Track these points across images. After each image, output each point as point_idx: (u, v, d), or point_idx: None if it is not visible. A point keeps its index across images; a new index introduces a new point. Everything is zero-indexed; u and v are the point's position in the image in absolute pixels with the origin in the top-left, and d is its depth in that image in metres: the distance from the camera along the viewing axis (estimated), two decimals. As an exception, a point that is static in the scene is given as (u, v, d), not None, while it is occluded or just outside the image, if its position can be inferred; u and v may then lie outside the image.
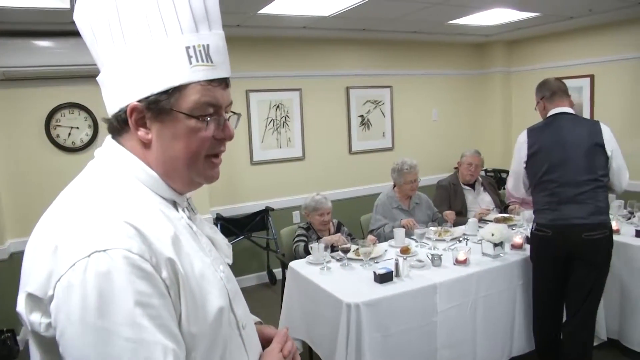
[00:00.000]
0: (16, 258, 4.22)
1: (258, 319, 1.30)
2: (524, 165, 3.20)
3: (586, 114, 5.59)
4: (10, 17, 3.68)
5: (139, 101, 0.97)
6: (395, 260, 3.12)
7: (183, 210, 1.08)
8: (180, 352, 0.88)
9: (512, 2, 4.37)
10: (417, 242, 3.63)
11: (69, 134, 4.47)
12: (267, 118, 5.50)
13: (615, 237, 3.25)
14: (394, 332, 2.83)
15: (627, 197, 4.16)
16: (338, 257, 3.39)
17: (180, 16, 0.98)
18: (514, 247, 3.48)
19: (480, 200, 4.70)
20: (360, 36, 5.61)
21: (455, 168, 5.09)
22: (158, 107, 0.97)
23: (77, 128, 4.49)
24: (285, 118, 5.60)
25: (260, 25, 4.73)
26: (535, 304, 3.30)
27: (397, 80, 6.27)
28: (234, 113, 1.10)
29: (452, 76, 6.70)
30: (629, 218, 3.97)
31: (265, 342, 1.21)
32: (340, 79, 5.90)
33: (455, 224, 4.07)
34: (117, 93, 1.00)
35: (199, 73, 0.99)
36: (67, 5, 3.47)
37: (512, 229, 3.81)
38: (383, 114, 6.22)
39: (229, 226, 5.07)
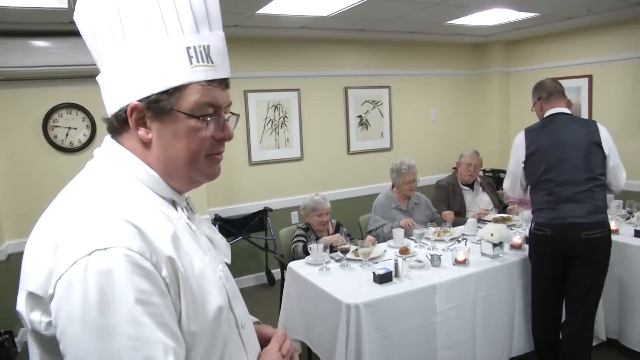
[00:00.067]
0: (14, 259, 4.21)
1: (256, 319, 1.30)
2: (522, 165, 3.21)
3: (584, 114, 5.58)
4: (8, 17, 3.67)
5: (139, 100, 0.98)
6: (395, 260, 3.11)
7: (182, 210, 1.08)
8: (181, 350, 0.88)
9: (510, 2, 4.37)
10: (416, 242, 3.63)
11: (67, 134, 4.46)
12: (266, 118, 5.49)
13: (614, 237, 3.26)
14: (394, 332, 2.82)
15: (625, 197, 4.16)
16: (337, 258, 3.39)
17: (181, 17, 0.99)
18: (513, 247, 3.48)
19: (479, 201, 4.70)
20: (358, 36, 5.60)
21: (454, 168, 5.09)
22: (158, 107, 0.98)
23: (75, 128, 4.48)
24: (284, 118, 5.59)
25: (259, 26, 4.72)
26: (534, 304, 3.30)
27: (396, 80, 6.26)
28: (233, 114, 1.10)
29: (450, 76, 6.70)
30: (628, 218, 3.97)
31: (264, 342, 1.22)
32: (338, 79, 5.89)
33: (454, 224, 4.06)
34: (118, 92, 1.00)
35: (200, 73, 0.99)
36: (65, 5, 3.47)
37: (511, 229, 3.81)
38: (381, 114, 6.21)
39: (227, 227, 5.06)
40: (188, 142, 1.00)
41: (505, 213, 4.48)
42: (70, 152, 4.47)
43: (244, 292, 1.19)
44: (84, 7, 1.02)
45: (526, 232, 3.46)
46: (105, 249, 0.83)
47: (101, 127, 4.41)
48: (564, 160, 3.03)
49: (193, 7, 0.99)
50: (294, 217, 5.64)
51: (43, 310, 0.86)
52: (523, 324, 3.36)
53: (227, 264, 1.15)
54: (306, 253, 3.50)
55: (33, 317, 0.86)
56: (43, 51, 4.07)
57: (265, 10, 4.10)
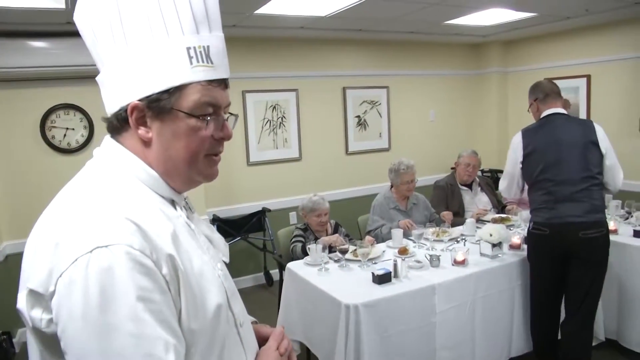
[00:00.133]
0: (11, 260, 4.20)
1: (253, 319, 1.31)
2: (520, 166, 3.22)
3: (582, 114, 5.59)
4: (5, 17, 3.65)
5: (140, 100, 0.99)
6: (394, 261, 3.11)
7: (181, 209, 1.09)
8: (181, 347, 0.89)
9: (508, 2, 4.37)
10: (415, 242, 3.62)
11: (65, 135, 4.45)
12: (264, 119, 5.49)
13: (613, 237, 3.26)
14: (393, 333, 2.81)
15: (624, 197, 4.17)
16: (336, 258, 3.38)
17: (181, 18, 1.00)
18: (512, 247, 3.47)
19: (477, 201, 4.70)
20: (357, 36, 5.60)
21: (452, 168, 5.09)
22: (159, 106, 0.99)
23: (73, 129, 4.47)
24: (282, 119, 5.58)
25: (257, 26, 4.71)
26: (533, 304, 3.30)
27: (394, 80, 6.26)
28: (232, 114, 1.11)
29: (448, 76, 6.70)
30: (627, 218, 3.97)
31: (262, 341, 1.22)
32: (336, 80, 5.89)
33: (453, 225, 4.06)
34: (118, 92, 1.01)
35: (200, 73, 1.00)
36: (62, 6, 3.45)
37: (510, 230, 3.80)
38: (380, 114, 6.21)
39: (226, 227, 5.04)
40: (188, 141, 1.01)
41: (504, 213, 4.48)
42: (68, 153, 4.46)
43: (242, 292, 1.19)
44: (84, 7, 1.03)
45: (525, 233, 3.46)
46: (106, 246, 0.84)
47: (99, 127, 4.44)
48: (562, 159, 3.04)
49: (193, 8, 1.01)
50: (292, 217, 5.64)
51: (44, 308, 0.86)
52: (522, 324, 3.36)
53: (225, 263, 1.16)
54: (305, 253, 3.49)
55: (34, 314, 0.87)
56: (40, 52, 4.06)
57: (263, 10, 4.09)
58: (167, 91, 0.98)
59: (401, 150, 6.13)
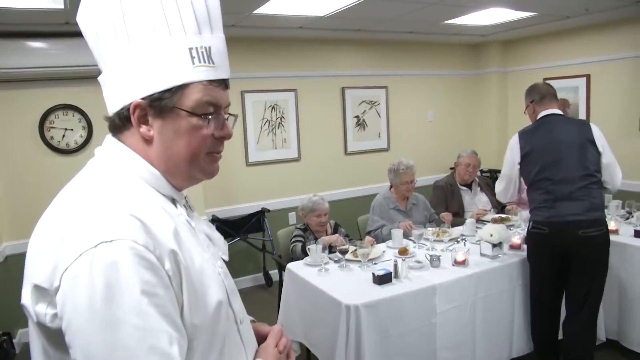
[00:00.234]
0: (11, 261, 4.19)
1: (252, 318, 1.31)
2: (518, 167, 3.24)
3: (582, 114, 5.59)
4: (3, 18, 3.64)
5: (142, 98, 1.00)
6: (394, 261, 3.10)
7: (182, 207, 1.11)
8: (183, 341, 0.91)
9: (508, 1, 4.36)
10: (415, 243, 3.61)
11: (63, 135, 4.44)
12: (263, 119, 5.48)
13: (613, 238, 3.26)
14: (394, 333, 2.81)
15: (624, 197, 4.17)
16: (336, 259, 3.37)
17: (184, 19, 1.02)
18: (513, 247, 3.47)
19: (477, 201, 4.69)
20: (356, 36, 5.59)
21: (452, 168, 5.08)
22: (161, 105, 1.01)
23: (72, 130, 4.46)
24: (281, 119, 5.57)
25: (256, 26, 4.71)
26: (533, 304, 3.30)
27: (393, 80, 6.26)
28: (231, 114, 1.13)
29: (448, 76, 6.70)
30: (627, 218, 3.96)
31: (260, 339, 1.23)
32: (335, 80, 5.88)
33: (453, 225, 4.05)
34: (120, 91, 1.03)
35: (202, 73, 1.02)
36: (61, 6, 3.45)
37: (510, 230, 3.80)
38: (379, 114, 6.20)
39: (225, 228, 5.03)
40: (190, 139, 1.03)
41: (504, 213, 4.47)
42: (66, 154, 4.45)
43: (242, 293, 1.21)
44: (88, 8, 1.05)
45: (525, 233, 3.46)
46: (111, 241, 0.85)
47: (98, 128, 4.44)
48: (559, 158, 3.06)
49: (195, 9, 1.03)
50: (292, 217, 5.63)
51: (48, 303, 0.87)
52: (523, 324, 3.35)
53: (224, 261, 1.18)
54: (305, 253, 3.49)
55: (38, 309, 0.88)
56: (39, 52, 4.05)
57: (262, 10, 4.09)
58: (169, 90, 1.00)
59: (400, 150, 6.12)
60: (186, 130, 1.02)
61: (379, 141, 6.25)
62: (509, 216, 4.30)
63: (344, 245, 3.38)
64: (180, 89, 1.01)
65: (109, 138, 1.08)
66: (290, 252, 3.76)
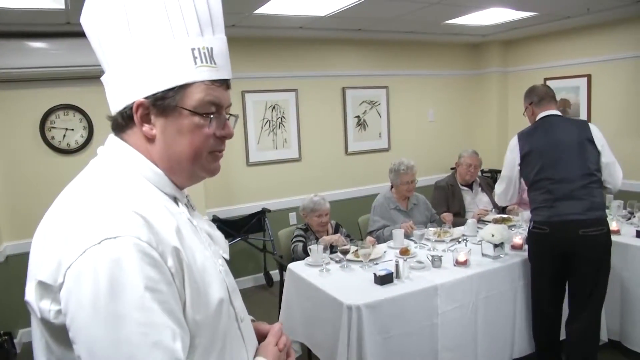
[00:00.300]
0: (12, 261, 4.18)
1: (251, 317, 1.32)
2: (518, 168, 3.24)
3: (583, 114, 5.58)
4: (4, 18, 3.64)
5: (145, 98, 1.02)
6: (395, 261, 3.10)
7: (183, 206, 1.12)
8: (186, 337, 0.92)
9: (508, 1, 4.36)
10: (416, 243, 3.61)
11: (64, 135, 4.43)
12: (263, 119, 5.47)
13: (615, 238, 3.26)
14: (395, 334, 2.80)
15: (626, 197, 4.16)
16: (337, 259, 3.36)
17: (186, 21, 1.04)
18: (514, 247, 3.46)
19: (478, 201, 4.69)
20: (356, 36, 5.58)
21: (452, 168, 5.08)
22: (164, 104, 1.02)
23: (72, 130, 4.46)
24: (281, 119, 5.57)
25: (256, 26, 4.70)
26: (534, 304, 3.29)
27: (393, 80, 6.25)
28: (232, 115, 1.14)
29: (448, 76, 6.69)
30: (629, 218, 3.95)
31: (260, 338, 1.25)
32: (336, 80, 5.88)
33: (454, 225, 4.05)
34: (124, 91, 1.04)
35: (204, 73, 1.04)
36: (62, 6, 3.44)
37: (512, 230, 3.79)
38: (379, 114, 6.20)
39: (225, 228, 5.01)
40: (192, 138, 1.05)
41: (505, 213, 4.46)
42: (67, 154, 4.45)
43: (242, 293, 1.23)
44: (92, 10, 1.06)
45: (526, 233, 3.45)
46: (114, 237, 0.86)
47: (98, 128, 4.43)
48: (559, 158, 3.06)
49: (198, 11, 1.05)
50: (292, 218, 5.62)
51: (52, 299, 0.88)
52: (525, 325, 3.34)
53: (225, 259, 1.19)
54: (306, 253, 3.48)
55: (42, 305, 0.89)
56: (40, 52, 4.04)
57: (262, 10, 4.08)
58: (172, 89, 1.02)
59: (401, 150, 6.12)
60: (188, 129, 1.04)
61: (380, 141, 6.25)
62: (510, 216, 4.29)
63: (345, 245, 3.38)
64: (183, 88, 1.02)
65: (112, 137, 1.09)
66: (291, 252, 3.76)
